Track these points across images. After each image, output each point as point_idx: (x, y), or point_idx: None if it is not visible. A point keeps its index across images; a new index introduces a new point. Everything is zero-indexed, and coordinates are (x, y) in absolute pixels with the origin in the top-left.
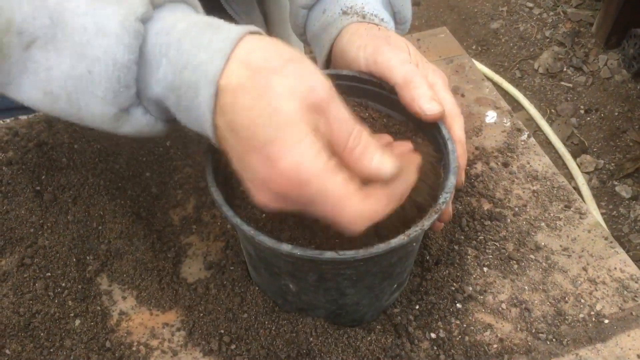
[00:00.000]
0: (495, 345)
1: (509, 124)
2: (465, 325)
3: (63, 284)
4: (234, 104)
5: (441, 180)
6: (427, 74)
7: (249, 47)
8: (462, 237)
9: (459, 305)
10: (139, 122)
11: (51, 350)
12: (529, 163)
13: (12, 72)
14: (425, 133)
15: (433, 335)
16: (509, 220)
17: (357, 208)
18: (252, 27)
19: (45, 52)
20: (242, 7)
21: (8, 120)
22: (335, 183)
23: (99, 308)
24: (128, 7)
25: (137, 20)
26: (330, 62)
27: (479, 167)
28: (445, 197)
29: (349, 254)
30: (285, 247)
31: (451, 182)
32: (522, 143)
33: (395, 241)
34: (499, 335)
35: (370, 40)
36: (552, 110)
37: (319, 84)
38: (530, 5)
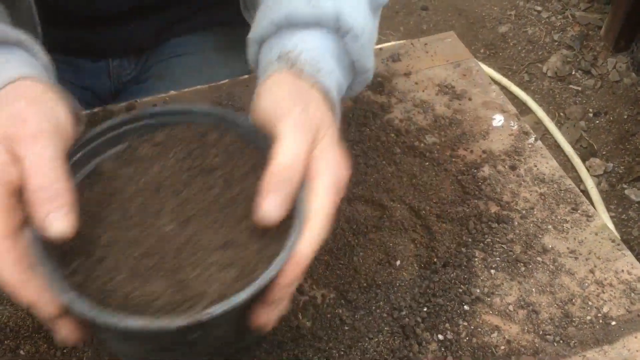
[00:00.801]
0: (502, 347)
1: (516, 127)
2: (472, 327)
3: None
4: None
5: None
6: (319, 164)
7: None
8: (470, 240)
9: (466, 307)
10: None
11: (64, 351)
12: (536, 166)
13: None
14: None
15: (441, 337)
16: (516, 223)
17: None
18: (28, 73)
19: None
20: None
21: None
22: None
23: None
24: None
25: None
26: None
27: (486, 170)
28: (217, 309)
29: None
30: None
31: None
32: (529, 146)
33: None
34: (506, 337)
35: (280, 102)
36: (561, 114)
37: (33, 121)
38: (539, 8)
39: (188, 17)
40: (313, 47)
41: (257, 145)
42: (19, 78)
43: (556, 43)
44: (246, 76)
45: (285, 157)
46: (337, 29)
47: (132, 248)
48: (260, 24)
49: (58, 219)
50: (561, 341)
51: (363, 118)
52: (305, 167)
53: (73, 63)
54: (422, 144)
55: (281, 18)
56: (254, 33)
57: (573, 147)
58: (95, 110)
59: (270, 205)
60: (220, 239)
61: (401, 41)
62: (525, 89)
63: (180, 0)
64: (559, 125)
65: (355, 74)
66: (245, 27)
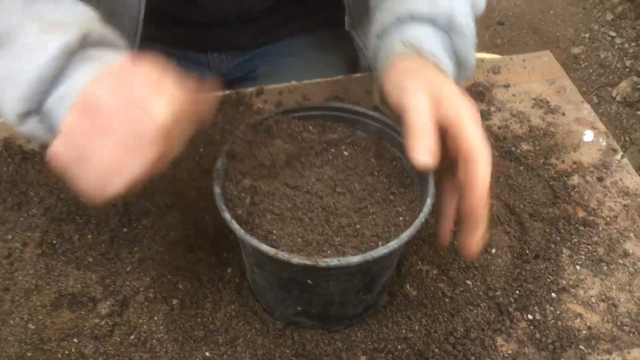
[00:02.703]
0: (584, 332)
1: (604, 143)
2: (558, 312)
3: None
4: None
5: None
6: (447, 111)
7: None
8: (558, 238)
9: (553, 294)
10: (34, 127)
11: (212, 289)
12: (621, 180)
13: None
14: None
15: (530, 317)
16: (600, 228)
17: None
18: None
19: None
20: None
21: None
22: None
23: None
24: (68, 38)
25: (68, 52)
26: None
27: (576, 179)
28: (394, 244)
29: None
30: (306, 261)
31: (408, 232)
32: (616, 162)
33: (374, 252)
34: (587, 323)
35: (407, 79)
36: (627, 138)
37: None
38: (613, 34)
39: (284, 23)
40: (429, 40)
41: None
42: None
43: (627, 69)
44: (360, 74)
45: (418, 110)
46: (449, 27)
47: (285, 200)
48: (382, 17)
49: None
50: (636, 332)
51: None
52: (437, 116)
53: (177, 54)
54: (518, 150)
55: (405, 13)
56: (375, 26)
57: (636, 170)
58: (228, 92)
59: (417, 152)
60: (356, 204)
61: (501, 56)
62: (594, 112)
63: (277, 9)
64: (624, 149)
65: (459, 68)
66: (344, 29)
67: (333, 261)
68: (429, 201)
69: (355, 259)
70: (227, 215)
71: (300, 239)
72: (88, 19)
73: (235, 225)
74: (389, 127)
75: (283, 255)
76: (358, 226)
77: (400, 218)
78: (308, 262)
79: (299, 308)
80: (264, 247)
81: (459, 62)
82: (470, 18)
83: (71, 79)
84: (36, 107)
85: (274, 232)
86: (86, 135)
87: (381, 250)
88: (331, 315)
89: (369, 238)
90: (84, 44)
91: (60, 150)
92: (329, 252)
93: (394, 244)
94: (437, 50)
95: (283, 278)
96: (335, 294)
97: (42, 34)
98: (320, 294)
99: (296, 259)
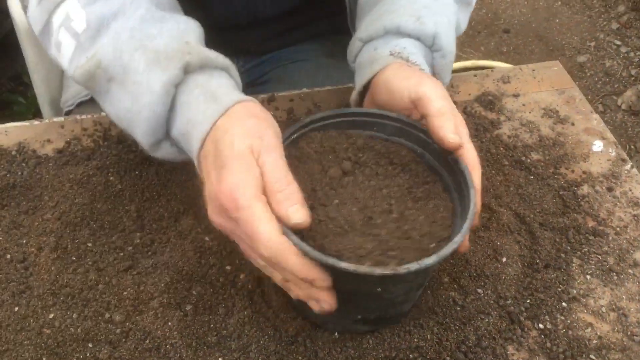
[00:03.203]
0: (594, 341)
1: (614, 153)
2: (569, 322)
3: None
4: (209, 149)
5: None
6: (456, 118)
7: (232, 115)
8: (569, 248)
9: (564, 304)
10: (167, 151)
11: (224, 296)
12: (630, 190)
13: (101, 93)
14: (449, 176)
15: (541, 326)
16: (610, 238)
17: (271, 231)
18: (244, 97)
19: (117, 88)
20: None
21: None
22: (257, 207)
23: None
24: (169, 74)
25: (172, 85)
26: (366, 91)
27: (585, 189)
28: (459, 239)
29: (408, 267)
30: (363, 268)
31: (467, 225)
32: (626, 172)
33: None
34: (598, 333)
35: (414, 74)
36: (632, 147)
37: (267, 135)
38: (618, 43)
39: (295, 28)
40: (415, 52)
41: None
42: (241, 100)
43: (633, 78)
44: None
45: (438, 98)
46: (432, 46)
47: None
48: (370, 27)
49: (295, 212)
50: None
51: (474, 131)
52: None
53: None
54: (528, 160)
55: (393, 26)
56: (361, 33)
57: None
58: None
59: (449, 132)
60: (395, 211)
61: (511, 65)
62: None
63: (288, 15)
64: (629, 157)
65: None
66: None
67: (413, 266)
68: (472, 192)
69: (430, 260)
70: (304, 246)
71: (359, 249)
72: (190, 43)
73: (316, 254)
74: (408, 125)
75: (364, 269)
76: (406, 227)
77: (439, 214)
78: (388, 272)
79: (359, 316)
80: (343, 265)
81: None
82: (452, 40)
83: (183, 109)
84: (163, 136)
85: (327, 245)
86: (227, 231)
87: (450, 247)
88: (388, 317)
89: (418, 240)
90: (187, 72)
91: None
92: (386, 258)
93: (459, 238)
94: (422, 63)
95: (346, 290)
96: (399, 296)
97: (148, 71)
98: (385, 298)
99: (378, 271)
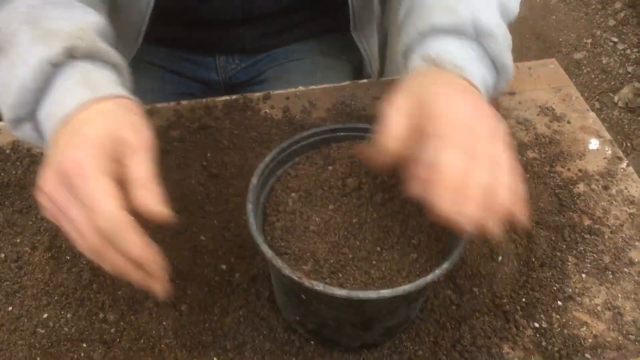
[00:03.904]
0: (590, 340)
1: (610, 152)
2: (564, 320)
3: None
4: (69, 128)
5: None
6: (476, 148)
7: (105, 104)
8: (564, 246)
9: (559, 303)
10: (27, 134)
11: (222, 302)
12: (626, 189)
13: None
14: None
15: (536, 325)
16: (606, 236)
17: (113, 203)
18: (126, 94)
19: (0, 57)
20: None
21: (172, 104)
22: (105, 180)
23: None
24: (49, 51)
25: (49, 63)
26: None
27: (581, 187)
28: (447, 266)
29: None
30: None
31: (455, 255)
32: (622, 170)
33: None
34: (593, 332)
35: (426, 84)
36: (628, 144)
37: (139, 133)
38: (615, 40)
39: (291, 27)
40: (452, 51)
41: None
42: (121, 95)
43: (629, 75)
44: (366, 80)
45: (393, 107)
46: (477, 34)
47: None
48: (406, 35)
49: (157, 206)
50: None
51: None
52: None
53: (183, 56)
54: (524, 158)
55: (426, 27)
56: (401, 45)
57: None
58: (235, 97)
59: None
60: (384, 237)
61: None
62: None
63: (284, 12)
64: (626, 154)
65: (497, 72)
66: (350, 35)
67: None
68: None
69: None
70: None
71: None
72: (85, 31)
73: (279, 264)
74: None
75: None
76: (374, 262)
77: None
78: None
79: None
80: (311, 284)
81: (497, 67)
82: (499, 21)
83: (56, 92)
84: (28, 115)
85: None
86: (60, 202)
87: (369, 294)
88: (326, 335)
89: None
90: (70, 57)
91: (43, 202)
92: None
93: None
94: (460, 61)
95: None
96: (328, 318)
97: (31, 45)
98: (311, 311)
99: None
